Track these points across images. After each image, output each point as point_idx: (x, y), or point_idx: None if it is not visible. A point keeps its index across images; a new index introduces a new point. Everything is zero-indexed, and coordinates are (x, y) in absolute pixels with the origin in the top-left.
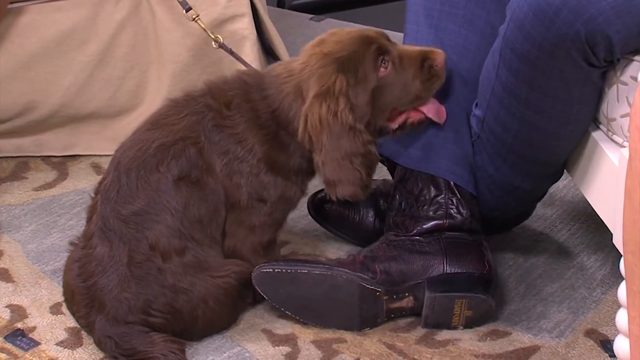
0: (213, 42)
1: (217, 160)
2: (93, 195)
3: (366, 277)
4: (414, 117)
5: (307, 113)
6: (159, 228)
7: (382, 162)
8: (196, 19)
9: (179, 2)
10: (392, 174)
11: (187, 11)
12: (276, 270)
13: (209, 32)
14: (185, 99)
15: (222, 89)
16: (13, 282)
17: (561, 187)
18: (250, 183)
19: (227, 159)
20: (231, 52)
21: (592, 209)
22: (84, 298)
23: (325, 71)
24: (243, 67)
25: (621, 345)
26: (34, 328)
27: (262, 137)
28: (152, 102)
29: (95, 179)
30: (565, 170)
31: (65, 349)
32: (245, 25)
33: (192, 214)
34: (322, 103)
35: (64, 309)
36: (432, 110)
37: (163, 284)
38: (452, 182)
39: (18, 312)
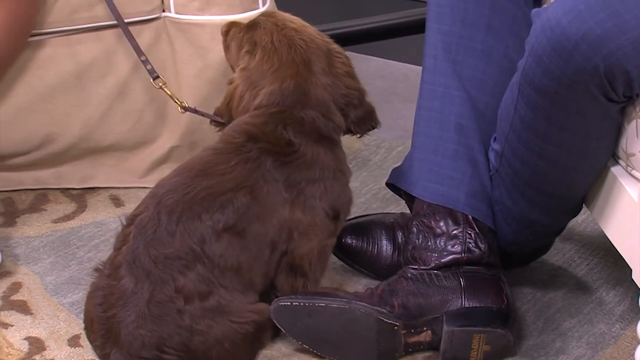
0: (179, 108)
1: (285, 196)
2: (125, 223)
3: (384, 311)
4: None
5: (349, 70)
6: (189, 274)
7: (400, 196)
8: (162, 86)
9: (147, 70)
10: (410, 207)
11: (154, 79)
12: (294, 303)
13: (175, 98)
14: (228, 148)
15: (266, 131)
16: (31, 314)
17: (580, 221)
18: (327, 199)
19: (297, 190)
20: (195, 111)
21: (611, 243)
22: (101, 328)
23: (323, 39)
24: None
25: None
26: None
27: (327, 146)
28: (170, 135)
29: (113, 211)
30: (584, 204)
31: None
32: None
33: (228, 263)
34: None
35: (82, 341)
36: None
37: (180, 324)
38: (470, 216)
39: (36, 344)
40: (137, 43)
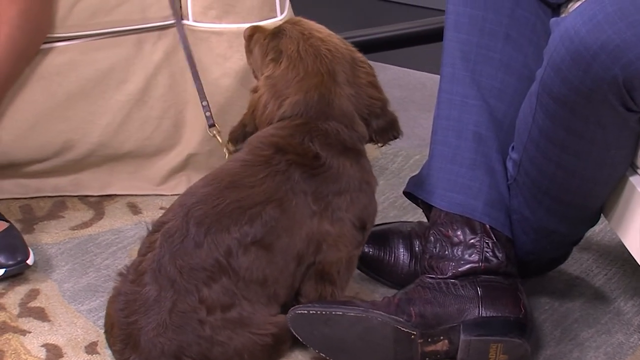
0: (227, 154)
1: (314, 208)
2: (150, 229)
3: (401, 319)
4: None
5: (373, 79)
6: (213, 286)
7: (417, 204)
8: (216, 134)
9: (206, 117)
10: (427, 216)
11: (210, 127)
12: (311, 311)
13: (225, 146)
14: (257, 160)
15: (293, 143)
16: (49, 321)
17: (597, 231)
18: (353, 211)
19: (325, 202)
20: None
21: (629, 253)
22: (121, 333)
23: (348, 48)
24: None
25: None
26: None
27: (352, 158)
28: (188, 143)
29: (131, 218)
30: (602, 214)
31: None
32: None
33: (254, 276)
34: (368, 65)
35: (99, 348)
36: None
37: (200, 334)
38: (487, 225)
39: (54, 351)
40: (201, 85)
